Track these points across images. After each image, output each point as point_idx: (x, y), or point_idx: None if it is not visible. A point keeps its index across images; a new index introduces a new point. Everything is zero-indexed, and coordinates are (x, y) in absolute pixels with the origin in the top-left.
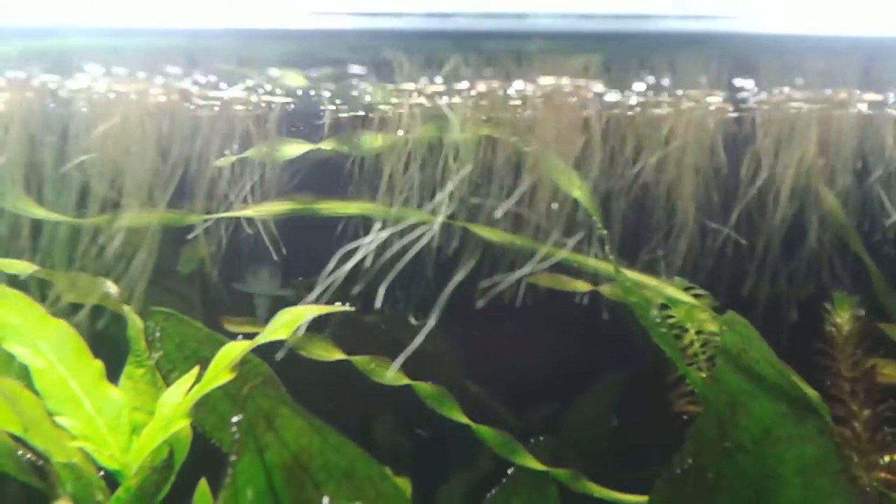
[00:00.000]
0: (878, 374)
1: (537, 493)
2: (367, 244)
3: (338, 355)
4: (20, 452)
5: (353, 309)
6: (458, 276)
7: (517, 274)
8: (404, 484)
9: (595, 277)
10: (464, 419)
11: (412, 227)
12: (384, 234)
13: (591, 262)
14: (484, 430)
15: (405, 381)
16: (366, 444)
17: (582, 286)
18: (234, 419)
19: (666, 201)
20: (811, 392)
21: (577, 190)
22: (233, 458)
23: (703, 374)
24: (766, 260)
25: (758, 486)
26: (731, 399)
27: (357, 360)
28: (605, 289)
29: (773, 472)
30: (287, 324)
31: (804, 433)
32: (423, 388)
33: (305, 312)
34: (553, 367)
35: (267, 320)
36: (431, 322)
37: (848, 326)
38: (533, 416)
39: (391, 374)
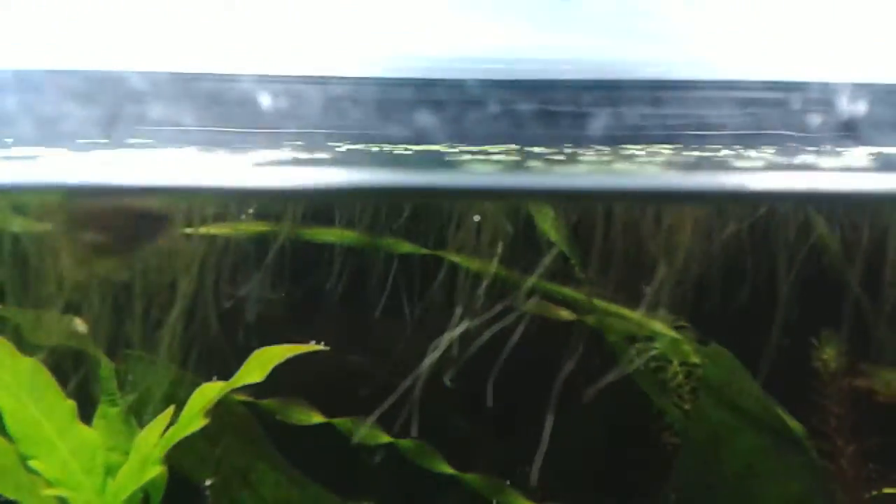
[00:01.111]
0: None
1: None
2: (453, 333)
3: (317, 418)
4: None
5: (328, 349)
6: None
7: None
8: None
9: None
10: (449, 470)
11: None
12: (467, 324)
13: (567, 293)
14: (471, 478)
15: (386, 438)
16: (354, 470)
17: (566, 314)
18: (207, 483)
19: None
20: (796, 426)
21: (555, 232)
22: None
23: (687, 407)
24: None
25: None
26: (713, 433)
27: (338, 422)
28: (590, 318)
29: None
30: (262, 364)
31: (788, 468)
32: (406, 444)
33: (280, 353)
34: (538, 393)
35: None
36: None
37: (834, 363)
38: (516, 443)
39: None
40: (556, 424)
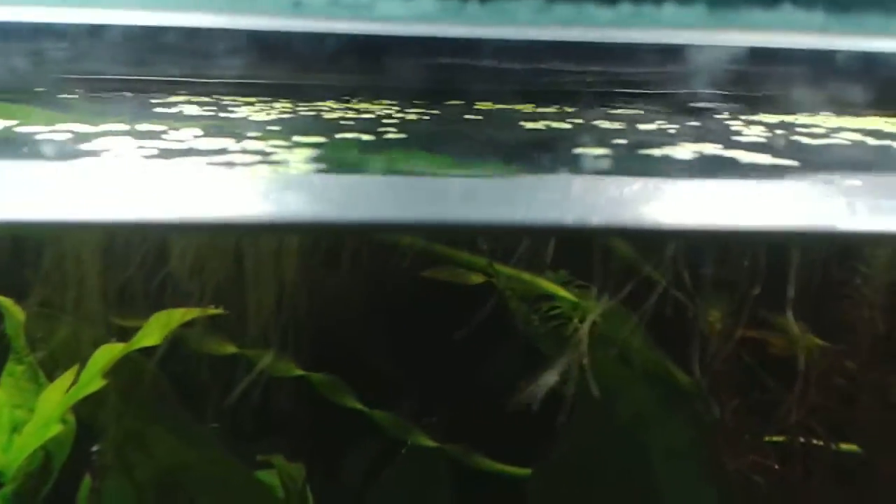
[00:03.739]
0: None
1: (429, 468)
2: None
3: (230, 349)
4: None
5: (225, 312)
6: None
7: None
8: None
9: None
10: (357, 405)
11: None
12: None
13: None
14: (377, 414)
15: (298, 371)
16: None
17: (476, 278)
18: (95, 448)
19: None
20: (685, 380)
21: None
22: (95, 483)
23: (584, 363)
24: None
25: (630, 471)
26: (607, 386)
27: (252, 353)
28: (500, 281)
29: (646, 457)
30: (160, 327)
31: (676, 420)
32: (316, 377)
33: (179, 316)
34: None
35: None
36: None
37: (719, 323)
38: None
39: (284, 366)
40: (461, 378)
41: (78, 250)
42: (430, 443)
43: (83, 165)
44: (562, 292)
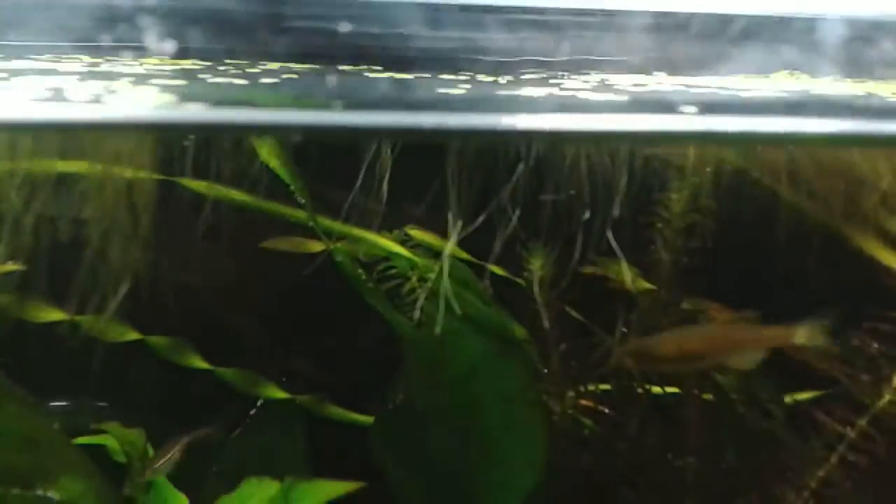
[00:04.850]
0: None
1: (283, 422)
2: None
3: (57, 315)
4: None
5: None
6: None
7: None
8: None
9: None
10: (204, 365)
11: None
12: None
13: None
14: (225, 372)
15: (135, 335)
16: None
17: (316, 246)
18: None
19: None
20: (518, 330)
21: (273, 159)
22: None
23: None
24: None
25: (465, 416)
26: (441, 338)
27: (83, 319)
28: (339, 247)
29: (479, 402)
30: None
31: (508, 368)
32: (157, 341)
33: None
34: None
35: None
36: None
37: (541, 272)
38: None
39: (121, 331)
40: (301, 335)
41: None
42: (283, 395)
43: None
44: (397, 249)
